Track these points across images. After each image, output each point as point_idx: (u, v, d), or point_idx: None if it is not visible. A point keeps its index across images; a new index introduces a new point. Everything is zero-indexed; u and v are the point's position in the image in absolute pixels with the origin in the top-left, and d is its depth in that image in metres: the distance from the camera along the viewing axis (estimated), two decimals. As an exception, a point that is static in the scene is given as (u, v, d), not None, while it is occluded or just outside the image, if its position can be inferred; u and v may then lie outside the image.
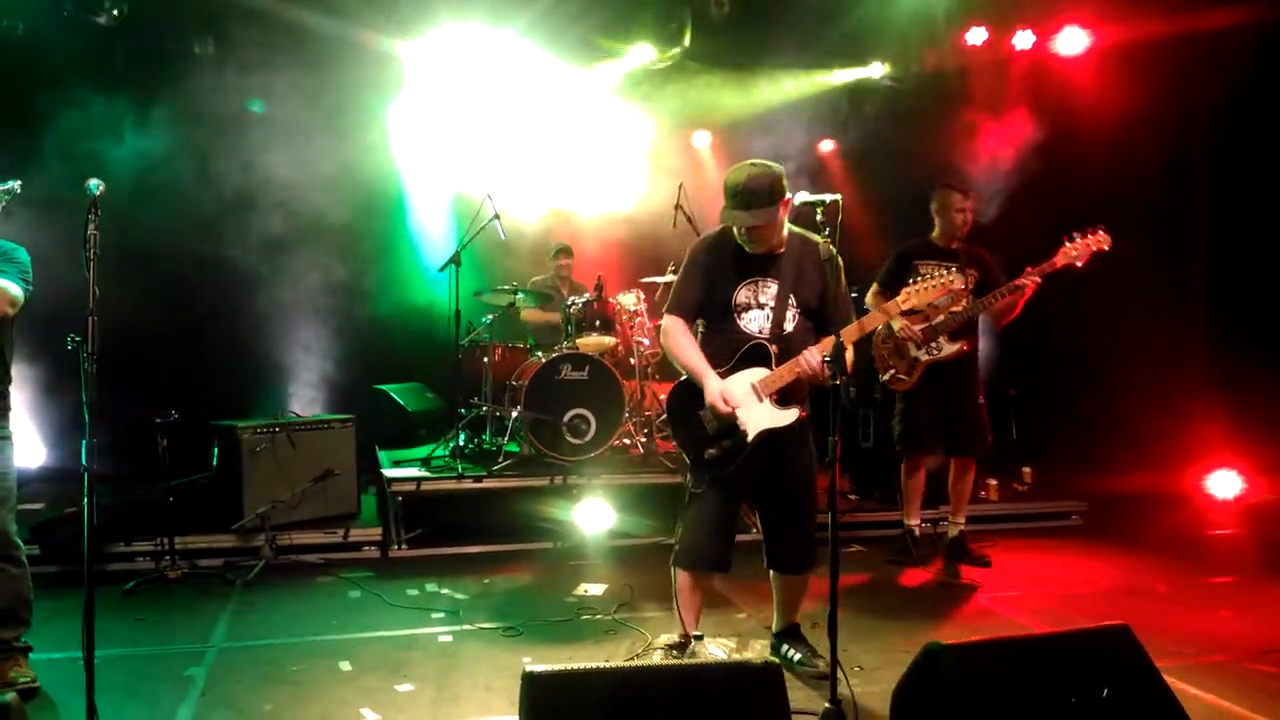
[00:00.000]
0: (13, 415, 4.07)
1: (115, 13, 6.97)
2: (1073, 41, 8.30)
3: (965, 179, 6.55)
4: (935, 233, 5.88)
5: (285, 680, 4.15)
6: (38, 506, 6.33)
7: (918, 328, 5.68)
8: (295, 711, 3.83)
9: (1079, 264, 5.35)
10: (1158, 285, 8.37)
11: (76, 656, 3.33)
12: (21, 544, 4.07)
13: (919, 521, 6.10)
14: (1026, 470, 7.61)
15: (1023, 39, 8.35)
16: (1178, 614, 5.04)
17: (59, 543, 5.58)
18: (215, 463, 6.32)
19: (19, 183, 3.90)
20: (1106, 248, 5.33)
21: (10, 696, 2.74)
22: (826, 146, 9.47)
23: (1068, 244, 5.34)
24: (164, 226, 7.46)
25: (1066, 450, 8.28)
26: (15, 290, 3.84)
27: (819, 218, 3.62)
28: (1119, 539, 6.59)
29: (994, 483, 7.23)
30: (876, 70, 8.79)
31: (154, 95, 7.60)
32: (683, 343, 3.97)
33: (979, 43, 8.31)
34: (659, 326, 4.28)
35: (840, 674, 3.45)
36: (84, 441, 3.27)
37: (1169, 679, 3.16)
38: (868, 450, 7.21)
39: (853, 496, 7.10)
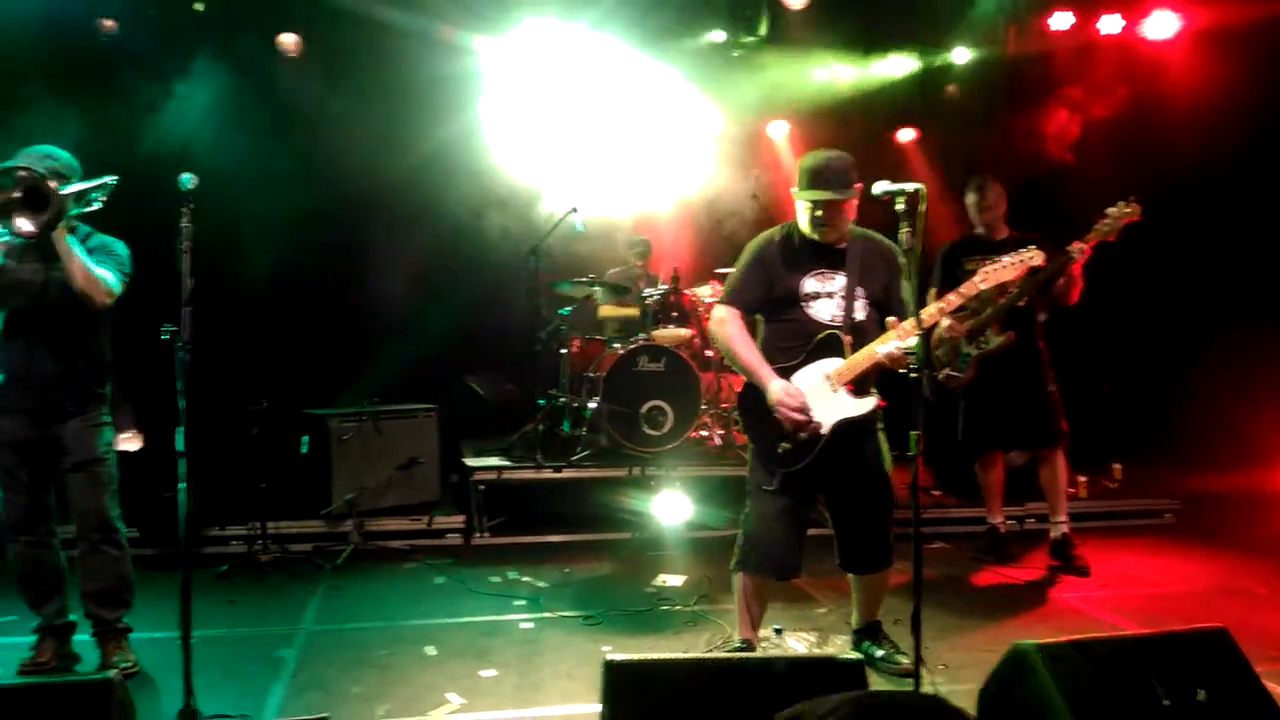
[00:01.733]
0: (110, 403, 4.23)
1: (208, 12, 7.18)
2: (1162, 25, 8.02)
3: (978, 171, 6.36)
4: (979, 228, 5.79)
5: (373, 663, 4.25)
6: (136, 491, 6.58)
7: (964, 325, 5.59)
8: (382, 694, 3.92)
9: (1111, 238, 5.20)
10: (1257, 276, 8.06)
11: (174, 637, 3.44)
12: (123, 527, 4.24)
13: (1003, 518, 5.99)
14: (1117, 467, 7.41)
15: (1110, 23, 8.10)
16: (1278, 617, 4.87)
17: (157, 526, 5.80)
18: (305, 450, 6.50)
19: (114, 177, 4.05)
20: (1137, 219, 5.17)
21: (113, 673, 2.86)
22: (907, 135, 9.32)
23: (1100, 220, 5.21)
24: (255, 220, 7.66)
25: (1160, 447, 8.03)
26: (113, 282, 3.99)
27: (900, 207, 3.57)
28: (1214, 538, 6.37)
29: (1084, 479, 7.06)
30: (960, 56, 8.61)
31: (244, 90, 7.82)
32: (737, 336, 3.91)
33: (1064, 27, 8.09)
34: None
35: (923, 672, 3.41)
36: (180, 428, 3.39)
37: (1269, 684, 3.05)
38: (951, 444, 7.09)
39: (935, 492, 7.00)
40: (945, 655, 4.25)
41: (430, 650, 4.41)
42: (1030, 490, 6.10)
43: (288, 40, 7.75)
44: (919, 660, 3.38)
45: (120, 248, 4.14)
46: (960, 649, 4.37)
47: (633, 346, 6.82)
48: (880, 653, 4.15)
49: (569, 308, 7.40)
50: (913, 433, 3.37)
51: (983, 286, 3.89)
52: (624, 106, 8.50)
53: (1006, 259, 3.84)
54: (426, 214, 8.32)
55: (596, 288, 7.36)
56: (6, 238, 3.77)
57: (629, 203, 8.93)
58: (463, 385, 8.28)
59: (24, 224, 3.62)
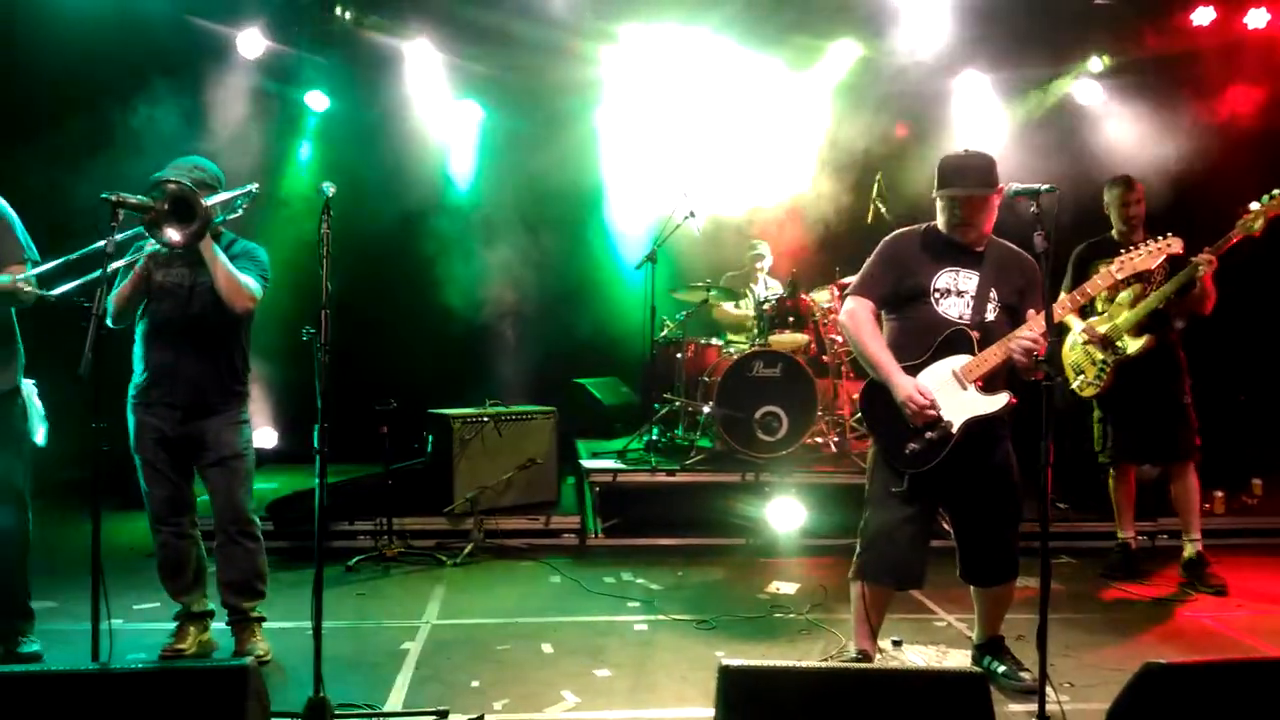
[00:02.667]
0: (250, 402, 4.44)
1: (346, 15, 7.47)
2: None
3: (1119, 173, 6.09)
4: (1114, 230, 5.60)
5: (491, 658, 4.35)
6: (273, 486, 6.89)
7: (1099, 329, 5.38)
8: (501, 689, 4.00)
9: (1256, 233, 4.98)
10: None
11: (305, 627, 3.58)
12: (258, 521, 4.43)
13: (1134, 534, 5.75)
14: (1257, 482, 7.03)
15: (1256, 17, 7.69)
16: None
17: (291, 520, 6.06)
18: (429, 449, 6.70)
19: (256, 185, 4.23)
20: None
21: (249, 660, 3.00)
22: (1037, 138, 9.03)
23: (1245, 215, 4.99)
24: (383, 226, 7.94)
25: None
26: (255, 287, 4.18)
27: (1034, 209, 3.47)
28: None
29: (1220, 495, 6.72)
30: (1095, 65, 8.31)
31: (371, 97, 8.12)
32: (868, 330, 3.84)
33: (1205, 23, 7.72)
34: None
35: (1048, 690, 3.30)
36: (316, 426, 3.51)
37: None
38: (1079, 456, 6.83)
39: (1063, 505, 6.76)
40: (1071, 674, 4.12)
41: (547, 648, 4.48)
42: (1163, 505, 5.84)
43: (412, 48, 7.99)
44: (1044, 678, 3.27)
45: (261, 254, 4.33)
46: (1087, 668, 4.22)
47: (748, 351, 6.80)
48: (1002, 669, 4.03)
49: (685, 312, 7.42)
50: (1042, 442, 3.28)
51: (1119, 275, 3.77)
52: (742, 110, 8.48)
53: (1144, 247, 3.73)
54: (545, 220, 8.48)
55: (712, 292, 7.36)
56: (155, 247, 3.99)
57: (746, 206, 8.91)
58: (579, 387, 8.40)
59: (172, 234, 3.81)
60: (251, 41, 7.61)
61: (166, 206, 3.79)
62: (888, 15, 7.61)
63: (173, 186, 3.84)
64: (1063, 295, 3.82)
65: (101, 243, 3.53)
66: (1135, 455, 5.64)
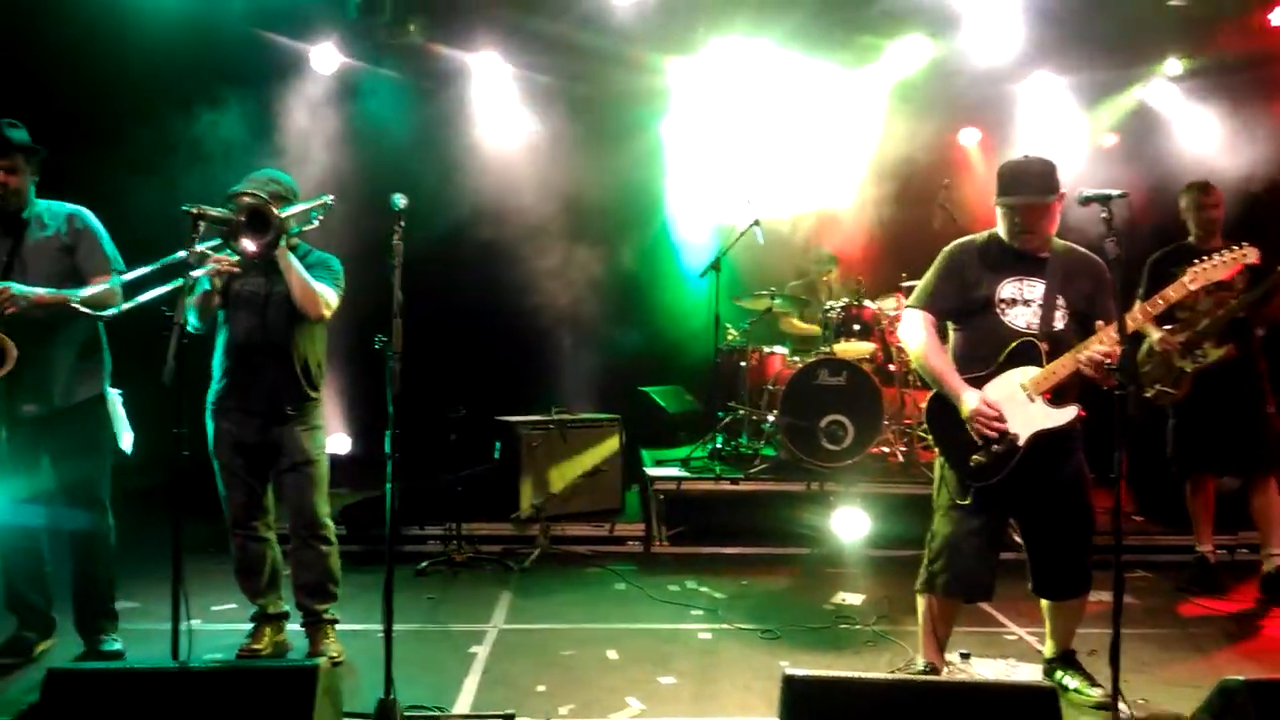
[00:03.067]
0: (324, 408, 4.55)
1: (412, 29, 7.62)
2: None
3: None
4: (1190, 237, 5.47)
5: (557, 664, 4.39)
6: (344, 491, 7.03)
7: (1178, 338, 5.24)
8: (566, 694, 4.03)
9: None
10: None
11: (376, 629, 3.65)
12: (331, 525, 4.53)
13: (1212, 547, 5.59)
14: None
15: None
16: None
17: (363, 524, 6.18)
18: (497, 455, 6.78)
19: (330, 197, 4.35)
20: None
21: (323, 661, 3.08)
22: (1109, 141, 8.85)
23: None
24: (451, 235, 8.06)
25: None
26: (331, 296, 4.30)
27: (1103, 215, 3.41)
28: None
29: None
30: (1173, 68, 8.12)
31: (439, 108, 8.26)
32: (927, 342, 3.80)
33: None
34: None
35: (1121, 706, 3.23)
36: (388, 432, 3.59)
37: None
38: (1156, 467, 6.67)
39: (1138, 517, 6.60)
40: (1145, 690, 4.02)
41: (611, 654, 4.51)
42: (1243, 518, 5.67)
43: (479, 60, 8.12)
44: (1116, 693, 3.21)
45: (335, 264, 4.44)
46: (1161, 684, 4.13)
47: (812, 360, 6.77)
48: (1074, 684, 3.96)
49: (749, 320, 7.42)
50: (1116, 453, 3.21)
51: (1192, 286, 3.68)
52: (806, 117, 8.46)
53: (1218, 257, 3.64)
54: (612, 230, 8.54)
55: (777, 300, 7.35)
56: (233, 257, 4.11)
57: (810, 214, 8.88)
58: (643, 396, 8.43)
59: (248, 244, 3.93)
60: (325, 56, 7.80)
61: (243, 218, 3.91)
62: (955, 17, 7.52)
63: (248, 199, 3.97)
64: (1136, 305, 3.73)
65: (182, 253, 3.66)
66: (1213, 466, 5.49)
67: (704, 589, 5.59)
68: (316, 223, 4.39)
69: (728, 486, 6.60)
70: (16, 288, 3.95)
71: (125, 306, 4.03)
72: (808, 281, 8.23)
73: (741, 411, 7.25)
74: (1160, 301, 3.72)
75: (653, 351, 8.87)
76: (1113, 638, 3.19)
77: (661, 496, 6.58)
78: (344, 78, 8.04)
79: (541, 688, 4.11)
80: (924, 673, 3.90)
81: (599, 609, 5.22)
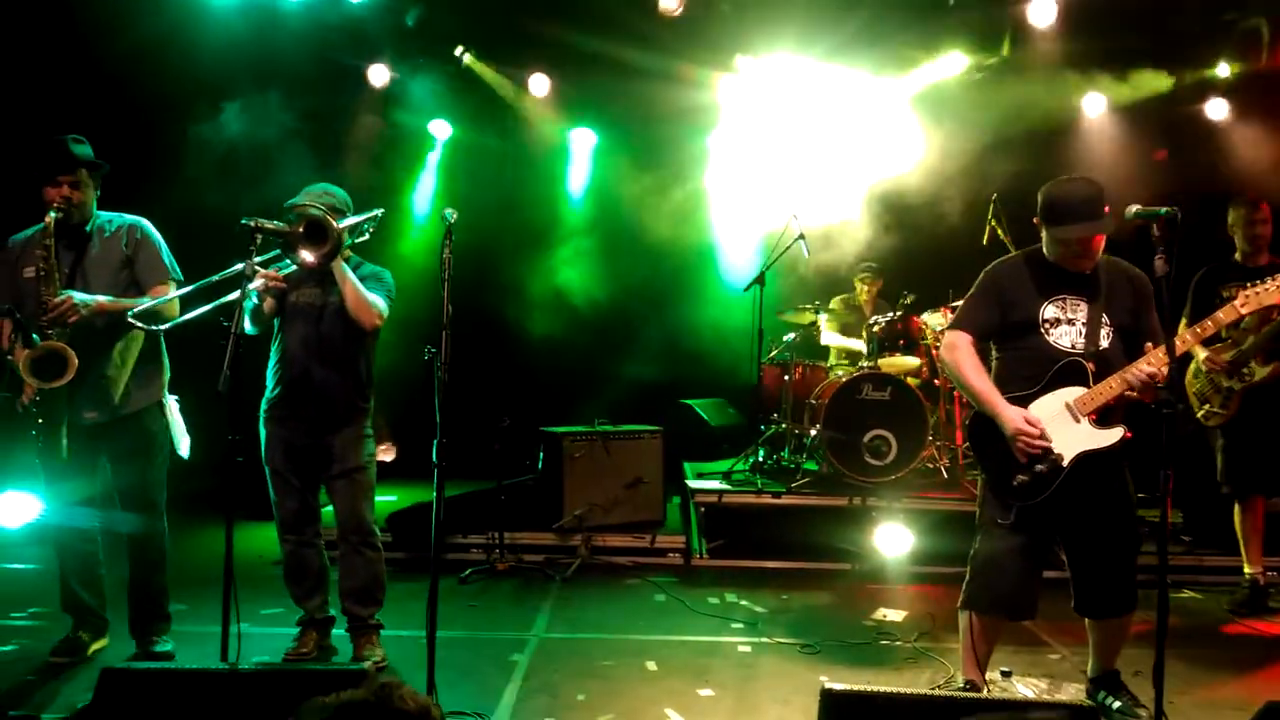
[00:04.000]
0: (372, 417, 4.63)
1: (465, 58, 7.77)
2: None
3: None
4: (1237, 252, 5.40)
5: (597, 674, 4.43)
6: (391, 499, 7.14)
7: (1224, 356, 5.17)
8: (605, 704, 4.07)
9: None
10: None
11: (419, 636, 3.71)
12: (378, 532, 4.62)
13: (1262, 569, 5.50)
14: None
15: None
16: None
17: (408, 532, 6.27)
18: (540, 466, 6.85)
19: (380, 210, 4.47)
20: None
21: (368, 665, 3.14)
22: (1159, 156, 8.74)
23: None
24: (500, 248, 8.18)
25: None
26: (382, 305, 4.39)
27: (1155, 233, 3.38)
28: None
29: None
30: (1222, 70, 8.01)
31: (489, 125, 8.38)
32: (967, 362, 3.77)
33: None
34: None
35: (1166, 728, 3.20)
36: (434, 442, 3.67)
37: None
38: (1204, 487, 6.56)
39: (1186, 538, 6.50)
40: (1190, 712, 3.98)
41: (651, 665, 4.54)
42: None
43: (529, 78, 8.24)
44: (1160, 715, 3.18)
45: (386, 275, 4.53)
46: (1207, 706, 4.08)
47: (856, 374, 6.76)
48: (1117, 704, 3.91)
49: (793, 334, 7.42)
50: (1162, 472, 3.18)
51: (1244, 311, 3.63)
52: (853, 133, 8.45)
53: (1271, 281, 3.58)
54: (656, 243, 8.59)
55: (820, 314, 7.34)
56: (290, 268, 4.22)
57: (856, 228, 8.86)
58: (686, 408, 8.46)
59: (307, 255, 4.04)
60: (379, 74, 7.96)
61: (302, 230, 4.02)
62: (1001, 29, 7.49)
63: (309, 211, 4.07)
64: (1182, 327, 3.69)
65: (240, 265, 3.76)
66: (1263, 487, 5.40)
67: (744, 602, 5.60)
68: (368, 235, 4.50)
69: (769, 500, 6.59)
70: (79, 297, 4.08)
71: (185, 318, 4.14)
72: (852, 295, 8.21)
73: (784, 425, 7.25)
74: (1210, 324, 3.67)
75: (696, 364, 8.90)
76: (1156, 659, 3.16)
77: (702, 509, 6.60)
78: (397, 95, 8.19)
79: (581, 697, 4.15)
80: (964, 690, 3.87)
81: (639, 620, 5.25)
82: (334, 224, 4.05)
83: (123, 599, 4.47)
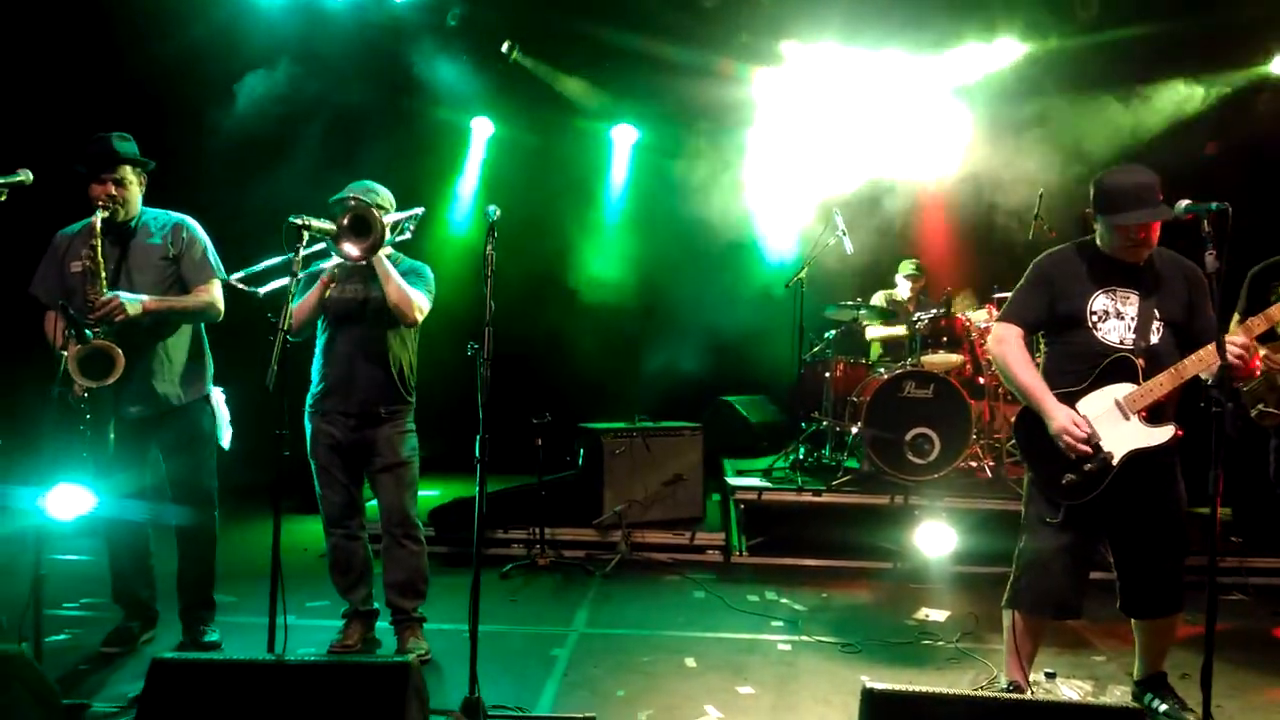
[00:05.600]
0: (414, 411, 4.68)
1: (512, 54, 7.81)
2: None
3: None
4: None
5: (636, 669, 4.44)
6: (434, 493, 7.20)
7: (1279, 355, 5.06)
8: (645, 700, 4.08)
9: None
10: None
11: (462, 629, 3.72)
12: (421, 525, 4.65)
13: (1316, 572, 5.39)
14: None
15: None
16: None
17: (451, 526, 6.32)
18: (581, 462, 6.87)
19: (421, 209, 4.53)
20: None
21: (411, 658, 3.18)
22: (1212, 152, 8.56)
23: None
24: (542, 244, 8.21)
25: None
26: (423, 301, 4.43)
27: (1206, 228, 3.32)
28: None
29: None
30: (1277, 66, 7.85)
31: (531, 122, 8.42)
32: (1016, 356, 3.71)
33: None
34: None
35: (1214, 732, 3.15)
36: (477, 437, 3.69)
37: None
38: (1257, 487, 6.43)
39: (1236, 539, 6.38)
40: (1238, 716, 3.92)
41: (690, 662, 4.54)
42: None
43: (576, 76, 8.27)
44: (1208, 718, 3.12)
45: (427, 271, 4.58)
46: (1257, 710, 4.01)
47: (898, 371, 6.70)
48: (1164, 707, 3.85)
49: (835, 331, 7.38)
50: (1211, 472, 3.13)
51: None
52: (898, 127, 8.37)
53: None
54: (695, 238, 8.59)
55: (862, 311, 7.30)
56: (333, 261, 4.27)
57: (899, 223, 8.79)
58: (726, 405, 8.44)
59: (351, 249, 4.10)
60: (424, 72, 8.03)
61: (346, 223, 4.08)
62: (1049, 15, 7.38)
63: (353, 203, 4.13)
64: (1234, 324, 3.61)
65: (286, 255, 3.81)
66: None
67: (784, 600, 5.58)
68: (409, 233, 4.55)
69: (810, 498, 6.56)
70: (124, 296, 4.15)
71: (255, 291, 4.20)
72: (895, 292, 8.15)
73: (825, 423, 7.21)
74: (1264, 321, 3.59)
75: (736, 361, 8.88)
76: (1205, 661, 3.11)
77: (742, 506, 6.59)
78: (441, 93, 8.24)
79: (621, 692, 4.16)
80: (1007, 691, 3.83)
81: (678, 616, 5.25)
82: (378, 217, 4.11)
83: (172, 590, 4.56)
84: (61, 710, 3.31)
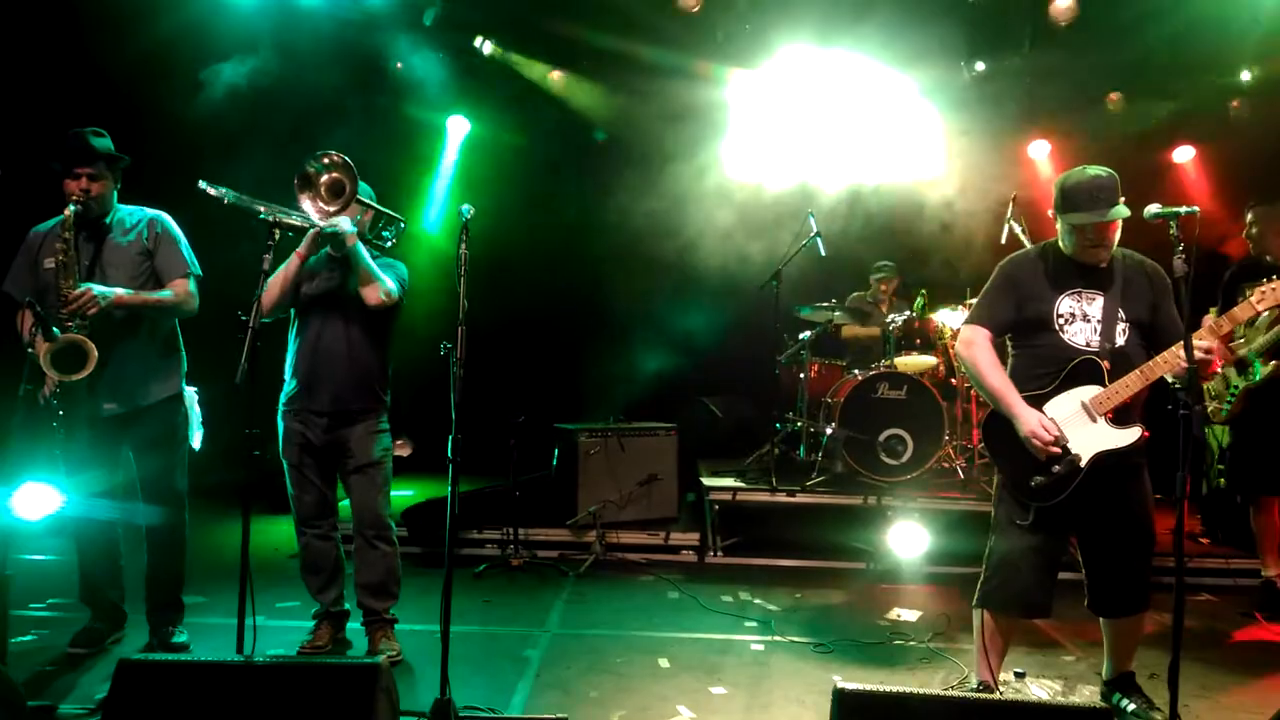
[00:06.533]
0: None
1: (489, 53, 7.79)
2: None
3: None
4: (1254, 249, 5.40)
5: (610, 670, 4.43)
6: (407, 494, 7.17)
7: (1241, 352, 5.13)
8: (618, 701, 4.07)
9: None
10: None
11: (434, 630, 3.69)
12: (393, 526, 4.62)
13: (1278, 571, 5.45)
14: None
15: None
16: None
17: (424, 527, 6.29)
18: (555, 462, 6.86)
19: (404, 223, 4.61)
20: None
21: (382, 659, 3.16)
22: (1185, 155, 8.68)
23: None
24: (516, 244, 8.19)
25: None
26: (391, 285, 4.35)
27: (1173, 232, 3.36)
28: None
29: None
30: (1245, 75, 7.96)
31: (508, 121, 8.39)
32: (987, 360, 3.73)
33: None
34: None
35: (1181, 731, 3.18)
36: (450, 437, 3.66)
37: None
38: (1221, 488, 6.53)
39: (1203, 540, 6.46)
40: (1205, 715, 3.95)
41: (663, 662, 4.54)
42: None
43: (554, 76, 8.25)
44: (1175, 718, 3.16)
45: (402, 267, 4.56)
46: (1223, 709, 4.04)
47: (872, 373, 6.74)
48: (1132, 707, 3.88)
49: (809, 332, 7.40)
50: (1179, 473, 3.17)
51: (1260, 307, 3.60)
52: (871, 130, 8.41)
53: None
54: (671, 240, 8.59)
55: (837, 312, 7.33)
56: (309, 235, 4.23)
57: (874, 225, 8.83)
58: (701, 406, 8.45)
59: (324, 206, 4.10)
60: (399, 69, 7.98)
61: (325, 180, 4.10)
62: (1024, 27, 7.44)
63: (334, 158, 4.13)
64: (1204, 324, 3.65)
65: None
66: (1269, 486, 5.34)
67: (757, 600, 5.60)
68: (391, 244, 4.57)
69: (784, 499, 6.58)
70: (98, 289, 4.11)
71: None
72: (869, 293, 8.19)
73: (799, 423, 7.23)
74: (1228, 322, 3.64)
75: (711, 361, 8.89)
76: (1172, 661, 3.14)
77: (717, 507, 6.60)
78: (417, 91, 8.20)
79: (594, 693, 4.16)
80: (977, 691, 3.86)
81: (652, 617, 5.25)
82: (354, 178, 4.11)
83: (140, 590, 4.51)
84: (28, 713, 3.27)
